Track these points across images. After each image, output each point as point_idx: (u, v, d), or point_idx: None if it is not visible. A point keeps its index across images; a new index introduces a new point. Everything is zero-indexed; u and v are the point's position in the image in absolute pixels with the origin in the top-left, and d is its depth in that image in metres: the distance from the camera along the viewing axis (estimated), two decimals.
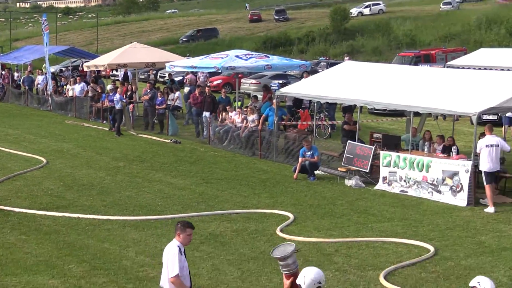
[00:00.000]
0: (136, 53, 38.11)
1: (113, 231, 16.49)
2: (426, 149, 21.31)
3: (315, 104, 26.55)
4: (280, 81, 40.57)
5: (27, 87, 43.38)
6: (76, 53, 50.16)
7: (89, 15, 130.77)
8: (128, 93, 34.36)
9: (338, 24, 78.74)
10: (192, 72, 39.56)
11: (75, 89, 37.74)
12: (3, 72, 47.27)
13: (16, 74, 47.81)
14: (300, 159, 22.11)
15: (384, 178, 20.90)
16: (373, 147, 21.78)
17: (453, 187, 19.17)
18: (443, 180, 19.41)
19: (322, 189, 20.93)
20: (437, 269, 14.02)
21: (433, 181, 19.65)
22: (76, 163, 24.55)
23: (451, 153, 20.44)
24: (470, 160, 19.29)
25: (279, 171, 23.36)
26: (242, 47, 51.37)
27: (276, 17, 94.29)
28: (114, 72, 49.47)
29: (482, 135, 19.83)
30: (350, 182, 21.24)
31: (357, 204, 19.12)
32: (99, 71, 42.88)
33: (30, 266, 14.13)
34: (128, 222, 17.22)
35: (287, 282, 8.64)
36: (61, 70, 57.54)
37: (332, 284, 12.87)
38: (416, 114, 23.03)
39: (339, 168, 22.22)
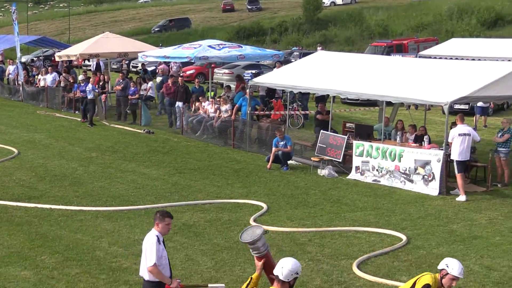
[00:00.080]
0: (109, 43, 37.80)
1: (86, 222, 16.42)
2: (398, 139, 21.39)
3: (288, 94, 26.55)
4: (253, 71, 40.52)
5: None
6: (47, 43, 49.69)
7: (60, 5, 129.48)
8: (101, 83, 34.18)
9: (311, 14, 78.72)
10: (165, 62, 39.38)
11: (46, 79, 37.43)
12: None
13: None
14: (274, 149, 22.12)
15: (357, 168, 20.99)
16: (346, 137, 21.86)
17: (425, 177, 19.31)
18: (415, 169, 19.54)
19: (295, 179, 20.97)
20: (409, 258, 14.13)
21: (405, 170, 19.77)
22: (48, 154, 24.39)
23: (423, 142, 20.55)
24: (442, 149, 19.43)
25: (252, 161, 23.39)
26: (215, 37, 51.29)
27: (249, 6, 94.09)
28: (86, 62, 49.05)
29: (454, 124, 19.99)
30: (323, 172, 21.29)
31: (330, 194, 19.19)
32: (71, 61, 42.54)
33: (2, 258, 14.02)
34: (101, 213, 17.15)
35: (259, 264, 8.67)
36: (32, 60, 57.00)
37: (306, 274, 12.90)
38: (389, 104, 23.02)
39: (312, 158, 22.28)
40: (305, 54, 40.17)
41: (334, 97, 25.76)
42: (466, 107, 28.45)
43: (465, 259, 13.89)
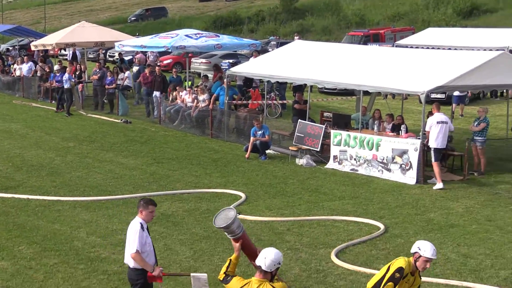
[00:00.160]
0: (85, 32, 37.62)
1: (64, 212, 16.34)
2: (375, 128, 21.46)
3: (266, 83, 26.58)
4: (231, 61, 40.51)
5: None
6: (23, 32, 49.33)
7: None
8: (77, 73, 34.00)
9: (288, 3, 78.55)
10: (142, 52, 39.22)
11: (22, 69, 37.16)
12: None
13: None
14: (252, 138, 22.13)
15: (335, 157, 21.04)
16: (324, 126, 21.89)
17: (403, 165, 19.40)
18: (393, 158, 19.62)
19: (274, 168, 20.99)
20: (387, 246, 14.19)
21: (383, 159, 19.86)
22: (25, 144, 24.24)
23: (400, 131, 20.66)
24: (419, 138, 19.51)
25: (230, 150, 23.38)
26: (192, 27, 51.10)
27: None
28: (63, 52, 48.80)
29: (430, 114, 20.07)
30: (301, 161, 21.34)
31: (308, 183, 19.22)
32: (47, 51, 42.25)
33: None
34: (79, 203, 17.07)
35: (236, 245, 8.69)
36: (7, 49, 56.54)
37: (285, 263, 12.88)
38: (366, 93, 23.17)
39: (290, 147, 22.29)
40: (282, 44, 40.15)
41: (311, 86, 25.93)
42: (443, 96, 28.59)
43: (442, 247, 13.98)
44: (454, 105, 28.74)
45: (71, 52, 41.89)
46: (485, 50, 28.33)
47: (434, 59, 21.77)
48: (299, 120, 22.89)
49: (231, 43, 31.49)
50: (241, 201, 17.23)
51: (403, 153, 19.42)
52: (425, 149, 19.43)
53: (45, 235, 14.72)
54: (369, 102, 25.14)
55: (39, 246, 14.05)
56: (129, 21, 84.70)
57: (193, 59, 42.06)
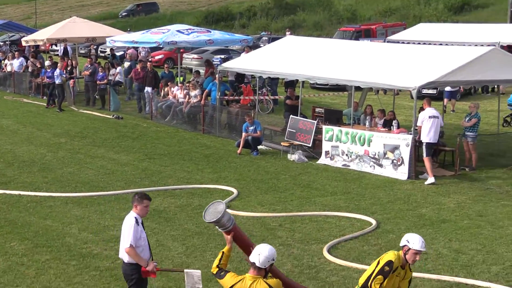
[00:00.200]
0: (76, 27, 37.47)
1: (56, 208, 16.32)
2: (367, 123, 21.47)
3: (257, 79, 26.56)
4: (222, 56, 40.41)
5: None
6: (13, 28, 49.14)
7: None
8: (68, 69, 33.90)
9: None
10: (133, 47, 39.16)
11: (13, 64, 37.03)
12: None
13: None
14: (244, 134, 22.11)
15: (327, 153, 21.05)
16: (316, 122, 21.87)
17: (394, 161, 19.42)
18: (384, 154, 19.64)
19: (265, 164, 20.98)
20: (379, 242, 14.21)
21: (375, 155, 19.87)
22: (16, 140, 24.18)
23: (392, 127, 20.66)
24: (411, 134, 19.53)
25: (222, 146, 23.37)
26: (184, 22, 50.88)
27: None
28: (54, 47, 48.62)
29: (421, 109, 20.09)
30: (293, 157, 21.33)
31: (300, 179, 19.22)
32: (38, 46, 42.11)
33: None
34: (71, 199, 17.05)
35: (228, 237, 8.69)
36: None
37: (277, 258, 12.86)
38: (358, 88, 23.14)
39: (282, 143, 22.29)
40: (273, 39, 40.10)
41: (303, 82, 25.89)
42: (434, 91, 28.62)
43: (434, 243, 14.03)
44: (445, 100, 28.78)
45: (62, 47, 41.75)
46: (476, 45, 28.34)
47: (425, 54, 21.76)
48: (291, 115, 22.83)
49: (223, 39, 31.46)
50: (233, 197, 17.23)
51: (394, 148, 19.43)
52: (416, 145, 19.46)
53: (36, 231, 14.70)
54: (360, 97, 25.15)
55: (31, 242, 14.03)
56: (120, 16, 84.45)
57: (184, 55, 41.96)
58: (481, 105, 23.96)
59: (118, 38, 32.78)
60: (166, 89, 28.01)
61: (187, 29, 30.81)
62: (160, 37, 29.55)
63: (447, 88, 27.64)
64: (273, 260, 8.16)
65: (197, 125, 26.04)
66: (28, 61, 37.16)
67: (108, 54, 42.38)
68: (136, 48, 40.32)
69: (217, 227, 8.74)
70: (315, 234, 14.62)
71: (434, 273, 12.49)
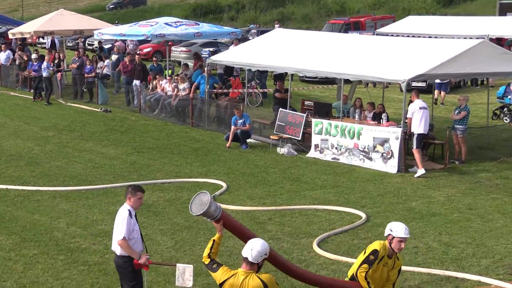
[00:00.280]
0: (63, 20, 37.28)
1: (43, 202, 16.22)
2: (357, 117, 21.42)
3: (247, 72, 26.47)
4: (211, 49, 40.29)
5: None
6: (0, 20, 48.77)
7: None
8: (56, 61, 33.69)
9: None
10: (121, 40, 38.97)
11: (0, 57, 36.76)
12: None
13: None
14: (232, 127, 22.03)
15: (316, 146, 21.00)
16: (305, 115, 21.80)
17: (384, 154, 19.38)
18: (374, 147, 19.60)
19: (255, 157, 20.92)
20: (369, 235, 14.15)
21: (364, 148, 19.83)
22: (3, 133, 24.02)
23: (381, 120, 20.64)
24: (400, 127, 19.50)
25: (211, 139, 23.29)
26: (172, 15, 50.79)
27: None
28: (41, 40, 48.36)
29: (410, 102, 20.06)
30: (282, 150, 21.27)
31: (290, 172, 19.17)
32: (24, 39, 41.85)
33: None
34: (59, 193, 16.95)
35: (217, 225, 8.67)
36: None
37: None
38: (347, 81, 23.12)
39: (271, 136, 22.23)
40: (262, 32, 39.96)
41: (292, 75, 25.80)
42: (424, 84, 28.61)
43: (424, 236, 14.04)
44: (436, 91, 28.81)
45: (49, 40, 41.49)
46: (465, 38, 28.38)
47: (414, 47, 21.74)
48: (280, 108, 22.78)
49: (211, 31, 31.43)
50: (222, 191, 17.16)
51: (384, 141, 19.39)
52: (406, 138, 19.43)
53: (24, 225, 14.59)
54: (350, 90, 25.11)
55: (18, 236, 13.93)
56: (107, 9, 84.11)
57: (173, 48, 41.82)
58: (470, 98, 23.97)
59: (105, 31, 32.66)
60: (154, 82, 27.89)
61: (175, 22, 30.76)
62: (148, 30, 29.46)
63: (438, 80, 27.63)
64: (266, 255, 8.10)
65: (186, 119, 25.94)
66: (15, 54, 36.90)
67: (96, 47, 42.19)
68: (124, 41, 40.12)
69: (205, 218, 8.68)
70: (304, 228, 14.57)
71: (424, 267, 12.47)
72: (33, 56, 33.53)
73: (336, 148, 20.51)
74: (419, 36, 31.10)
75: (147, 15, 60.55)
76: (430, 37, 30.29)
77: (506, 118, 26.14)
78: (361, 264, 8.98)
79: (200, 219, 14.44)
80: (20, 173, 18.79)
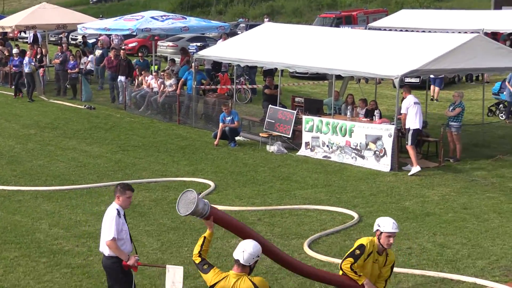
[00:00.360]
0: (46, 14, 37.07)
1: (25, 203, 16.08)
2: (348, 113, 21.35)
3: (235, 67, 26.25)
4: (198, 44, 40.20)
5: None
6: None
7: None
8: (38, 57, 33.38)
9: None
10: (106, 34, 38.67)
11: None
12: None
13: None
14: (221, 125, 21.88)
15: (307, 144, 20.82)
16: (295, 112, 21.71)
17: (377, 152, 19.19)
18: (366, 145, 19.43)
19: (244, 155, 20.81)
20: (361, 236, 13.76)
21: (356, 146, 19.63)
22: None
23: (374, 117, 20.60)
24: (393, 124, 19.35)
25: (199, 137, 23.20)
26: (158, 8, 50.49)
27: None
28: (23, 34, 47.93)
29: (403, 99, 19.87)
30: (272, 148, 21.15)
31: (280, 171, 19.07)
32: (6, 33, 41.47)
33: None
34: (41, 193, 16.81)
35: (208, 222, 8.53)
36: None
37: None
38: (338, 77, 23.07)
39: (260, 134, 22.17)
40: (251, 26, 39.78)
41: (282, 70, 25.67)
42: (417, 80, 28.44)
43: (418, 237, 13.97)
44: (432, 86, 28.67)
45: (31, 34, 41.22)
46: (459, 32, 28.29)
47: (408, 42, 21.63)
48: (270, 105, 22.68)
49: (199, 26, 31.38)
50: (210, 190, 17.04)
51: (377, 139, 19.21)
52: (399, 135, 19.26)
53: (5, 227, 14.46)
54: (341, 86, 25.07)
55: None
56: (91, 2, 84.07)
57: (159, 42, 41.70)
58: (465, 94, 24.05)
59: (90, 25, 32.56)
60: (140, 78, 27.83)
61: (161, 16, 30.78)
62: (133, 24, 29.38)
63: (431, 75, 27.44)
64: (258, 257, 7.96)
65: (173, 116, 25.83)
66: None
67: (80, 42, 41.96)
68: (108, 36, 39.92)
69: (194, 216, 8.49)
70: (295, 229, 14.45)
71: (418, 268, 12.39)
72: (14, 51, 33.20)
73: (327, 146, 20.32)
74: (412, 31, 31.19)
75: (133, 9, 60.38)
76: (423, 31, 30.25)
77: (501, 114, 26.24)
78: (346, 257, 9.02)
79: (187, 220, 14.27)
80: (1, 173, 18.65)
